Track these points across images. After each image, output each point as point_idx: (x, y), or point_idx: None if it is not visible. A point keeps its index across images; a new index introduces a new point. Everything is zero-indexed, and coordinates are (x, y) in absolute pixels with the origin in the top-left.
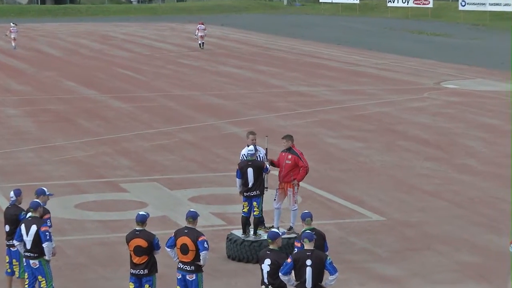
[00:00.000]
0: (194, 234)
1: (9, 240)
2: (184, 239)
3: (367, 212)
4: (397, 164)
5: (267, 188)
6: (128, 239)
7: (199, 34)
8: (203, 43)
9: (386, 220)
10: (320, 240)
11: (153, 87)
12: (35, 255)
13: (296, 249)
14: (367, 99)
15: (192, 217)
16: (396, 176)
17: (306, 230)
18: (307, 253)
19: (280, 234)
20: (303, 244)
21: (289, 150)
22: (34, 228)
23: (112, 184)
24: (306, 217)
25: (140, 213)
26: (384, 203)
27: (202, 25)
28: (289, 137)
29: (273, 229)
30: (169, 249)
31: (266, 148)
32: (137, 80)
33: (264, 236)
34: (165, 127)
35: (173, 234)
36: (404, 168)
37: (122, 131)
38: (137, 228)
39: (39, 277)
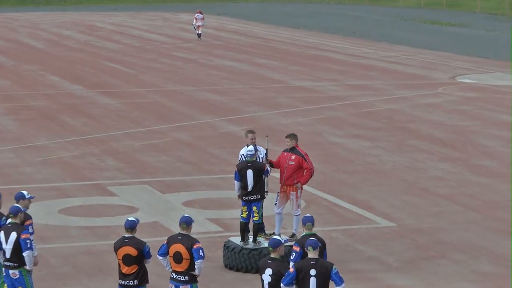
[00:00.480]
0: (189, 241)
1: None
2: (178, 247)
3: (376, 217)
4: (408, 165)
5: (267, 192)
6: (117, 247)
7: (197, 23)
8: (200, 33)
9: (396, 226)
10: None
11: (144, 82)
12: (15, 264)
13: (293, 253)
14: (376, 95)
15: (186, 223)
16: (407, 179)
17: (306, 235)
18: (311, 262)
19: (282, 241)
20: (301, 249)
21: (293, 150)
22: (14, 235)
23: (99, 187)
24: (307, 222)
25: (130, 218)
26: (395, 208)
27: (200, 14)
28: (293, 136)
29: (274, 236)
30: (161, 258)
31: (266, 149)
32: (127, 74)
33: (265, 243)
34: (157, 125)
35: (165, 241)
36: (416, 170)
37: (110, 130)
38: (126, 235)
39: None
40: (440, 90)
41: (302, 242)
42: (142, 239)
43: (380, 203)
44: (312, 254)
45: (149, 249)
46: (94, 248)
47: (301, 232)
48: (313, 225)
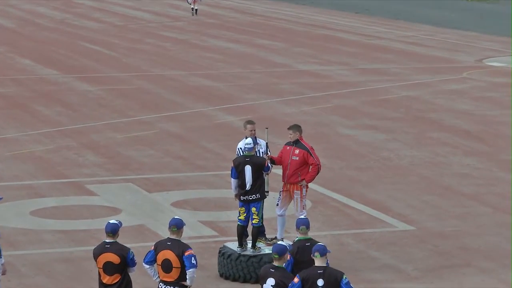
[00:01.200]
0: (179, 248)
1: None
2: (167, 254)
3: (392, 220)
4: (429, 160)
5: (267, 192)
6: (97, 254)
7: None
8: (196, 9)
9: (415, 230)
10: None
11: (128, 65)
12: None
13: None
14: (392, 80)
15: (177, 226)
16: (428, 176)
17: (300, 240)
18: (319, 271)
19: (288, 247)
20: (292, 257)
21: (297, 143)
22: None
23: (76, 186)
24: (301, 225)
25: (111, 221)
26: (413, 209)
27: None
28: (296, 128)
29: (279, 242)
30: (147, 266)
31: (267, 143)
32: (108, 57)
33: (265, 249)
34: (143, 115)
35: (152, 248)
36: (438, 166)
37: (89, 120)
38: (107, 240)
39: None
40: (465, 75)
41: (293, 249)
42: (125, 245)
43: (397, 204)
44: (319, 261)
45: (133, 256)
46: (71, 255)
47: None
48: (308, 228)
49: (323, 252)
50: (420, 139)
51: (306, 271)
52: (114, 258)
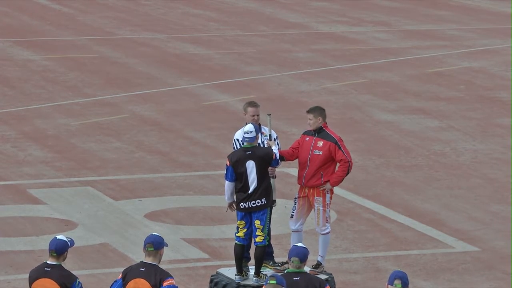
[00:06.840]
0: (156, 275)
1: None
2: (140, 284)
3: (447, 238)
4: (498, 157)
5: (275, 200)
6: (33, 278)
7: None
8: None
9: (479, 251)
10: None
11: (85, 25)
12: None
13: None
14: (448, 47)
15: (154, 245)
16: (496, 177)
17: (290, 273)
18: None
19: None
20: None
21: (320, 132)
22: None
23: (16, 191)
24: (294, 255)
25: (59, 237)
26: (477, 223)
27: None
28: (319, 111)
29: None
30: None
31: (270, 135)
32: (58, 14)
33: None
34: (106, 94)
35: (120, 276)
36: (510, 164)
37: (33, 101)
38: (49, 262)
39: None
40: None
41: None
42: (72, 272)
43: (454, 216)
44: None
45: (80, 287)
46: (9, 286)
47: (330, 259)
48: (302, 262)
49: (406, 282)
50: (486, 127)
51: None
52: (53, 287)
